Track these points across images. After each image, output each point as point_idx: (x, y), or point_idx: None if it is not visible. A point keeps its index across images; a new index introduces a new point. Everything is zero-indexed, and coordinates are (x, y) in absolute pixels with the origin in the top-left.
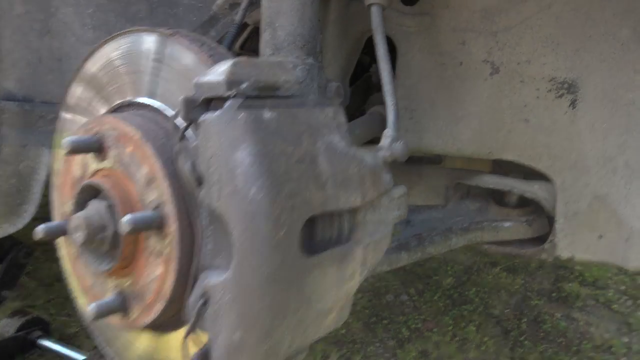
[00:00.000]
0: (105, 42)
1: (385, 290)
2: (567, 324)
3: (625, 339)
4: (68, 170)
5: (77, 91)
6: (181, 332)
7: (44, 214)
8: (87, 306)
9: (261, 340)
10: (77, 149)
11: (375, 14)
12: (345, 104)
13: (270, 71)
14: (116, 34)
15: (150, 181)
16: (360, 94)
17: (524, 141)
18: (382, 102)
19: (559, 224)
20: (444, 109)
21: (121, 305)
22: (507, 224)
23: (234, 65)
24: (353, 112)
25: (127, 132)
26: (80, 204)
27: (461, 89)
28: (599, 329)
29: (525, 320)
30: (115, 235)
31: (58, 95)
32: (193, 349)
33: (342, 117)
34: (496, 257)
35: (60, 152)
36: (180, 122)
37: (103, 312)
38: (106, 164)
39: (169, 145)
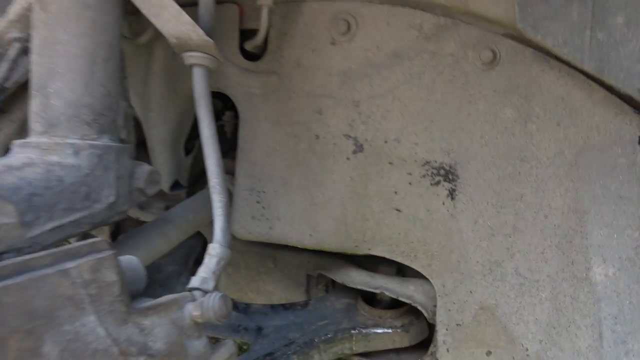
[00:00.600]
0: None
1: None
2: None
3: None
4: None
5: None
6: None
7: None
8: None
9: None
10: None
11: (198, 78)
12: (181, 174)
13: None
14: None
15: None
16: None
17: (395, 234)
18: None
19: (441, 335)
20: (300, 193)
21: None
22: (380, 331)
23: None
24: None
25: None
26: None
27: (319, 169)
28: None
29: None
30: None
31: None
32: None
33: (111, 274)
34: None
35: None
36: None
37: None
38: None
39: None
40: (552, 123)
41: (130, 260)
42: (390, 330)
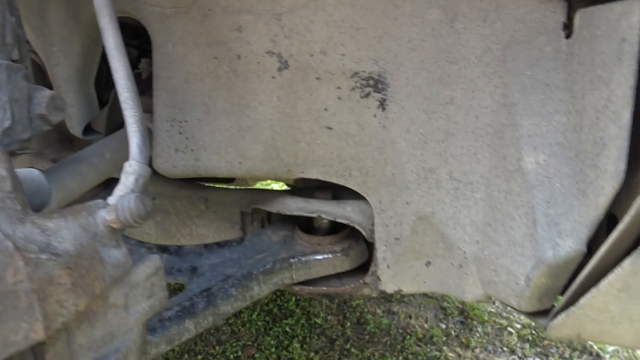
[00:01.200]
0: None
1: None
2: (389, 321)
3: (443, 325)
4: None
5: None
6: None
7: None
8: None
9: None
10: None
11: None
12: (93, 116)
13: None
14: None
15: None
16: None
17: (328, 154)
18: (149, 110)
19: (380, 252)
20: (225, 119)
21: None
22: (319, 257)
23: None
24: (118, 123)
25: None
26: None
27: (244, 91)
28: (418, 320)
29: (349, 324)
30: None
31: None
32: None
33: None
34: None
35: None
36: None
37: None
38: None
39: None
40: (479, 20)
41: (30, 172)
42: (330, 256)
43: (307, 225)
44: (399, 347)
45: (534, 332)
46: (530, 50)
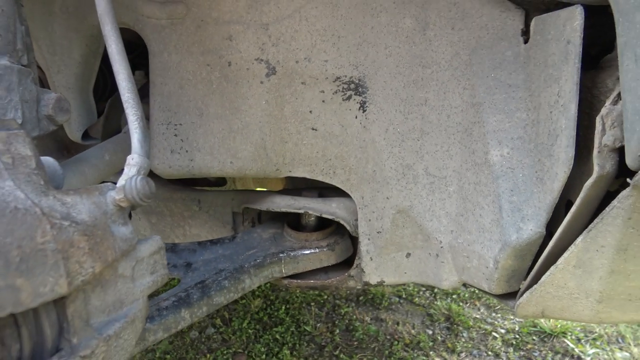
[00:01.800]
0: None
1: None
2: (377, 327)
3: (430, 331)
4: None
5: None
6: None
7: None
8: None
9: None
10: None
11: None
12: (92, 122)
13: None
14: None
15: None
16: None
17: (314, 154)
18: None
19: (364, 245)
20: (217, 121)
21: None
22: (307, 252)
23: None
24: (113, 131)
25: None
26: None
27: (234, 95)
28: (405, 326)
29: (338, 331)
30: None
31: None
32: None
33: (24, 148)
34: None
35: None
36: None
37: None
38: None
39: None
40: (447, 28)
41: (46, 159)
42: (317, 251)
43: (295, 223)
44: (386, 352)
45: (517, 336)
46: (494, 55)
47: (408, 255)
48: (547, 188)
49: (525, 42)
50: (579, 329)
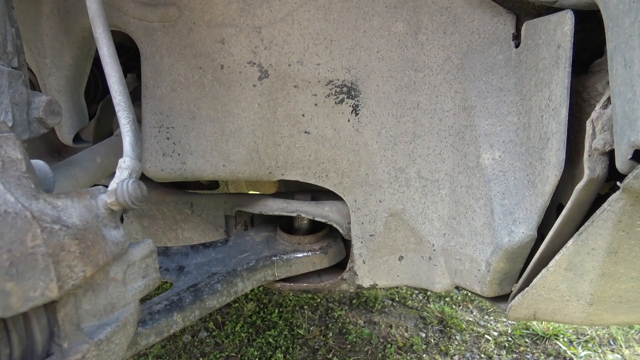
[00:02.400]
0: None
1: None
2: (371, 330)
3: (423, 334)
4: None
5: None
6: None
7: None
8: None
9: None
10: None
11: (91, 0)
12: (83, 125)
13: None
14: None
15: None
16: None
17: (306, 157)
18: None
19: (356, 249)
20: (209, 125)
21: None
22: (300, 255)
23: None
24: (105, 134)
25: None
26: None
27: (227, 99)
28: (399, 329)
29: (331, 334)
30: None
31: None
32: None
33: (14, 152)
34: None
35: None
36: None
37: None
38: None
39: None
40: (439, 32)
41: (36, 162)
42: (309, 254)
43: (288, 226)
44: (380, 355)
45: (510, 339)
46: (485, 59)
47: (401, 258)
48: (539, 191)
49: (517, 46)
50: (571, 331)
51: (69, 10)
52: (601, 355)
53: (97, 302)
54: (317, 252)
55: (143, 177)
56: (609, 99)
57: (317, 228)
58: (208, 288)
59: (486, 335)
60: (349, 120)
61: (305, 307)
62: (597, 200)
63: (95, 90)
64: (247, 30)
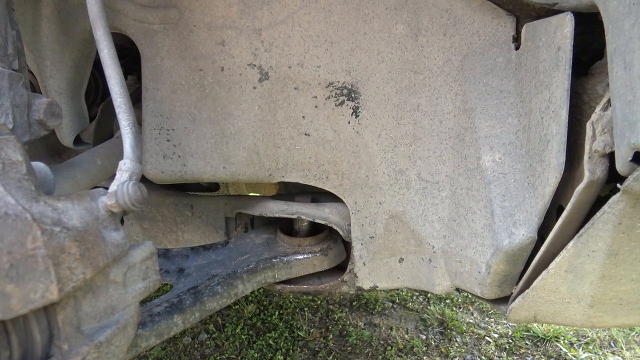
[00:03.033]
0: None
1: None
2: (371, 332)
3: (423, 336)
4: None
5: None
6: None
7: None
8: None
9: None
10: None
11: (92, 2)
12: (84, 127)
13: None
14: None
15: None
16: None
17: (307, 159)
18: (138, 121)
19: (357, 251)
20: (210, 126)
21: None
22: (300, 257)
23: None
24: (105, 136)
25: None
26: None
27: (227, 101)
28: (399, 331)
29: (331, 336)
30: None
31: None
32: None
33: (15, 154)
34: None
35: None
36: None
37: None
38: None
39: None
40: (439, 34)
41: (37, 164)
42: (310, 256)
43: (288, 228)
44: (380, 357)
45: (510, 341)
46: (485, 61)
47: (401, 260)
48: (539, 193)
49: (517, 48)
50: (571, 333)
51: (69, 12)
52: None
53: (97, 304)
54: (318, 254)
55: (143, 179)
56: (609, 101)
57: (317, 230)
58: (208, 290)
59: (487, 338)
60: (349, 123)
61: (306, 309)
62: (597, 202)
63: (96, 92)
64: (248, 32)
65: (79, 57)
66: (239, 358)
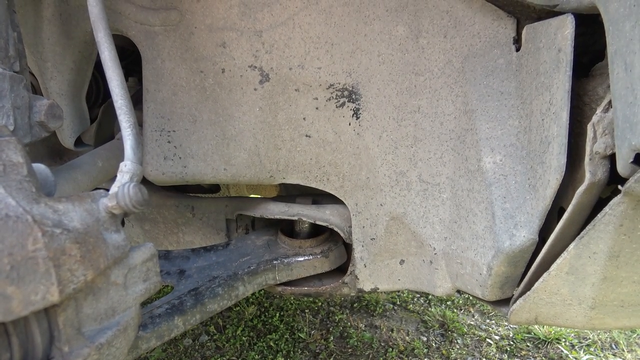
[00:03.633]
0: None
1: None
2: (372, 334)
3: (424, 338)
4: None
5: None
6: None
7: None
8: None
9: None
10: None
11: (93, 4)
12: (85, 128)
13: None
14: None
15: None
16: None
17: (307, 160)
18: (139, 123)
19: (357, 252)
20: (211, 128)
21: None
22: (301, 259)
23: None
24: (106, 138)
25: None
26: None
27: (228, 102)
28: (400, 333)
29: (332, 338)
30: None
31: None
32: None
33: (16, 155)
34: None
35: None
36: None
37: None
38: None
39: None
40: (440, 36)
41: (37, 166)
42: (310, 257)
43: (289, 230)
44: (381, 359)
45: (511, 343)
46: (486, 62)
47: (402, 262)
48: (540, 195)
49: (517, 50)
50: (572, 335)
51: (70, 14)
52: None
53: (97, 306)
54: (318, 256)
55: (144, 181)
56: (610, 102)
57: (318, 232)
58: (209, 292)
59: (488, 339)
60: (350, 124)
61: (307, 310)
62: (598, 204)
63: (97, 93)
64: (248, 34)
65: (80, 58)
66: (240, 359)
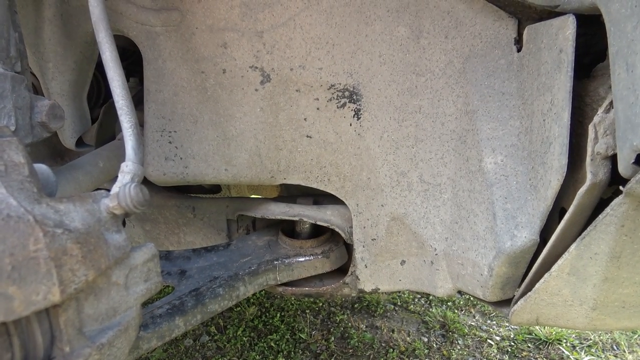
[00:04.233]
0: None
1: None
2: (373, 335)
3: (425, 339)
4: None
5: None
6: None
7: None
8: None
9: None
10: None
11: (94, 4)
12: (86, 129)
13: None
14: None
15: None
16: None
17: (308, 161)
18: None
19: (358, 253)
20: (212, 129)
21: None
22: (301, 259)
23: None
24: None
25: None
26: None
27: (229, 103)
28: (401, 334)
29: (333, 339)
30: None
31: None
32: None
33: (17, 156)
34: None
35: None
36: None
37: None
38: None
39: None
40: (441, 36)
41: (39, 166)
42: (311, 258)
43: (290, 230)
44: None
45: (512, 343)
46: (487, 63)
47: (403, 262)
48: (541, 195)
49: (519, 50)
50: (574, 336)
51: (71, 14)
52: None
53: (99, 306)
54: (319, 256)
55: (145, 181)
56: (611, 103)
57: (319, 232)
58: (210, 292)
59: (489, 340)
60: (350, 125)
61: (307, 311)
62: (599, 205)
63: (98, 94)
64: (249, 35)
65: (81, 59)
66: None
